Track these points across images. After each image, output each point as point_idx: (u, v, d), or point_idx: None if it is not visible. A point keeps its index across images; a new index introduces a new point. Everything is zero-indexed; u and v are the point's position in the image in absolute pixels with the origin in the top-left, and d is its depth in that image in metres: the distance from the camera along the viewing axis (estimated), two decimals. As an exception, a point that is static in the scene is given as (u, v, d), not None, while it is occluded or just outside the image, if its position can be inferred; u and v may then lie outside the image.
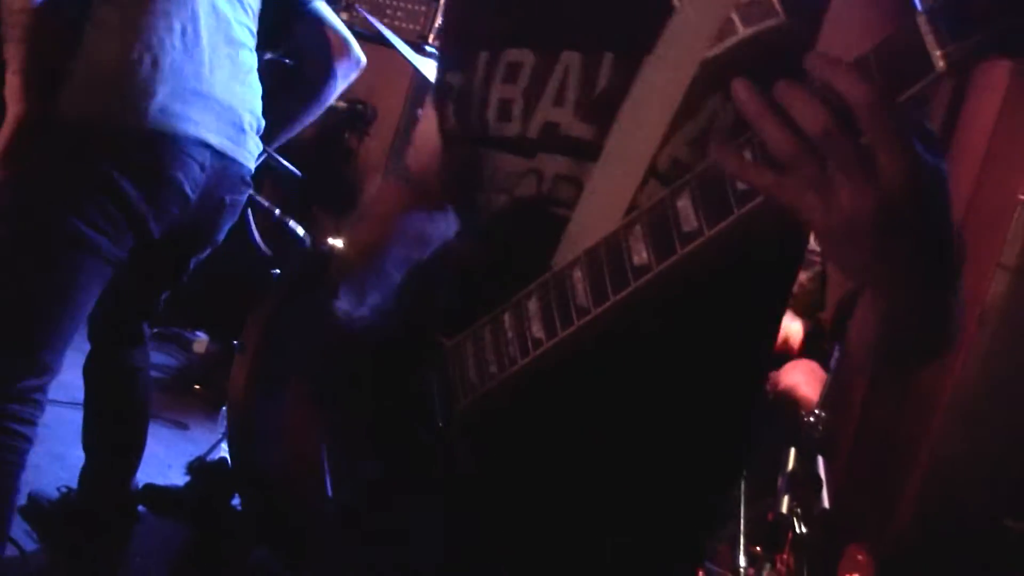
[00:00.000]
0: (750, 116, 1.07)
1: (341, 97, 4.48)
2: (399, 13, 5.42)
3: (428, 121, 1.77)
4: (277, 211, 4.48)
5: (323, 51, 3.74)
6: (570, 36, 1.49)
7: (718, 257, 1.20)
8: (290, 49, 3.64)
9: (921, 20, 0.99)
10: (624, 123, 1.41)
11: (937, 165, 1.06)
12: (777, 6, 1.37)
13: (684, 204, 1.20)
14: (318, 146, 4.14)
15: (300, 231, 4.56)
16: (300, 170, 4.15)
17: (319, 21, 3.73)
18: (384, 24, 5.08)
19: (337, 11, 5.21)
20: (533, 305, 1.37)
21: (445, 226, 1.71)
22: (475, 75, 1.57)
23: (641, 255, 1.25)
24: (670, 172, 1.38)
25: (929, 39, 0.99)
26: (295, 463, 1.67)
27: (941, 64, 0.99)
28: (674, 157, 1.39)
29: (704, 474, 1.56)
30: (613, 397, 1.46)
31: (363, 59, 3.82)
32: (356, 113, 4.96)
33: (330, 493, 1.65)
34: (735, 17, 1.39)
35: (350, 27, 5.09)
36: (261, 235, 4.57)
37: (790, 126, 1.05)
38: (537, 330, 1.36)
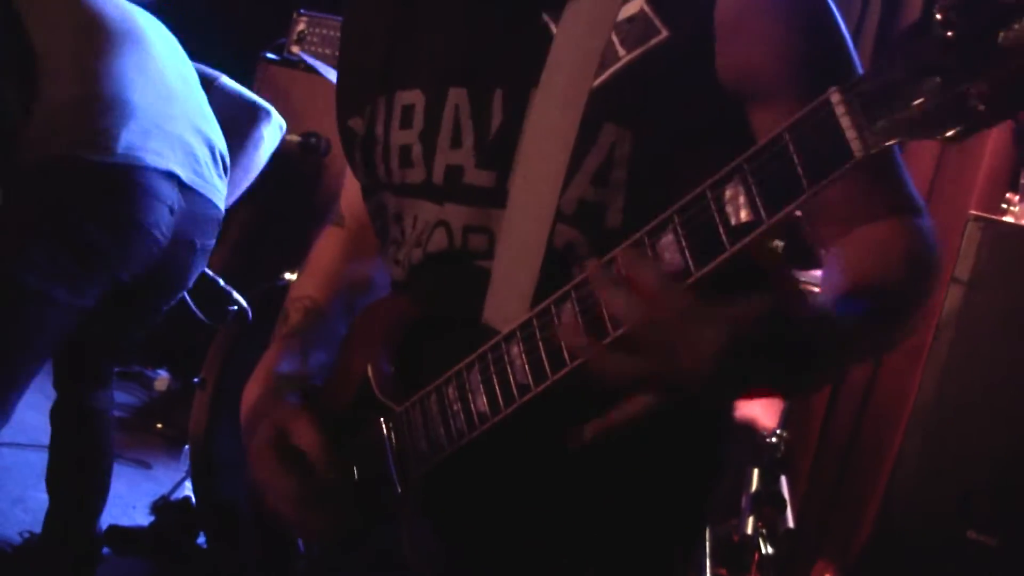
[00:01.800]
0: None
1: (294, 131, 4.49)
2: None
3: None
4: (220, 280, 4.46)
5: (242, 121, 3.77)
6: (454, 72, 1.47)
7: None
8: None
9: (835, 100, 0.97)
10: (523, 165, 1.39)
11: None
12: (658, 22, 1.35)
13: None
14: (276, 180, 4.14)
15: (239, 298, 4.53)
16: (260, 205, 4.14)
17: (227, 96, 3.76)
18: (335, 55, 5.09)
19: (289, 44, 5.23)
20: (475, 378, 1.33)
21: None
22: (375, 121, 1.56)
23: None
24: (577, 214, 1.37)
25: (845, 121, 0.98)
26: (266, 519, 1.65)
27: (859, 151, 0.98)
28: (579, 198, 1.37)
29: (673, 506, 1.54)
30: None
31: (284, 124, 3.89)
32: (309, 146, 4.95)
33: (301, 548, 1.64)
34: (615, 40, 1.36)
35: (299, 58, 5.11)
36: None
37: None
38: (481, 404, 1.33)
